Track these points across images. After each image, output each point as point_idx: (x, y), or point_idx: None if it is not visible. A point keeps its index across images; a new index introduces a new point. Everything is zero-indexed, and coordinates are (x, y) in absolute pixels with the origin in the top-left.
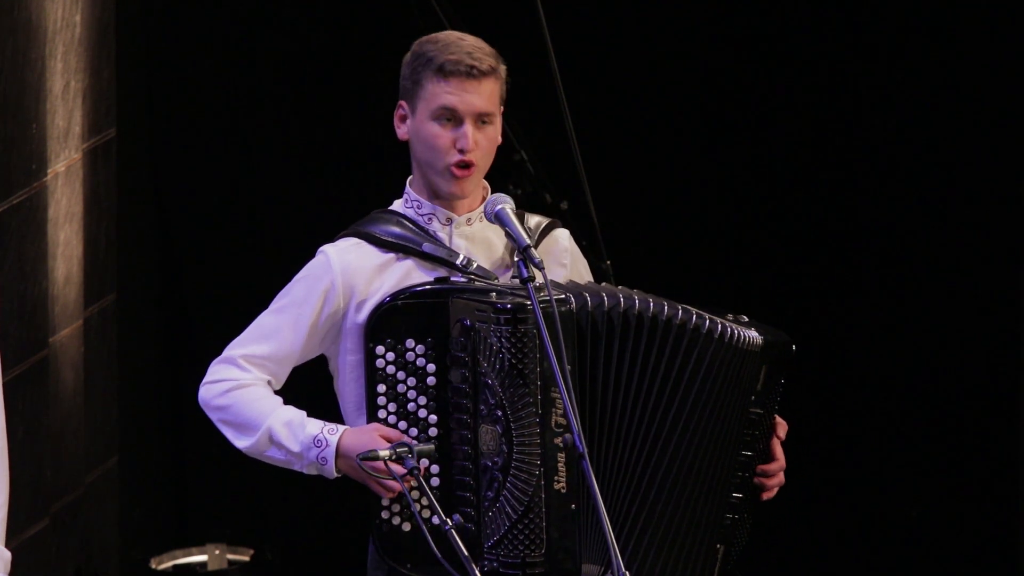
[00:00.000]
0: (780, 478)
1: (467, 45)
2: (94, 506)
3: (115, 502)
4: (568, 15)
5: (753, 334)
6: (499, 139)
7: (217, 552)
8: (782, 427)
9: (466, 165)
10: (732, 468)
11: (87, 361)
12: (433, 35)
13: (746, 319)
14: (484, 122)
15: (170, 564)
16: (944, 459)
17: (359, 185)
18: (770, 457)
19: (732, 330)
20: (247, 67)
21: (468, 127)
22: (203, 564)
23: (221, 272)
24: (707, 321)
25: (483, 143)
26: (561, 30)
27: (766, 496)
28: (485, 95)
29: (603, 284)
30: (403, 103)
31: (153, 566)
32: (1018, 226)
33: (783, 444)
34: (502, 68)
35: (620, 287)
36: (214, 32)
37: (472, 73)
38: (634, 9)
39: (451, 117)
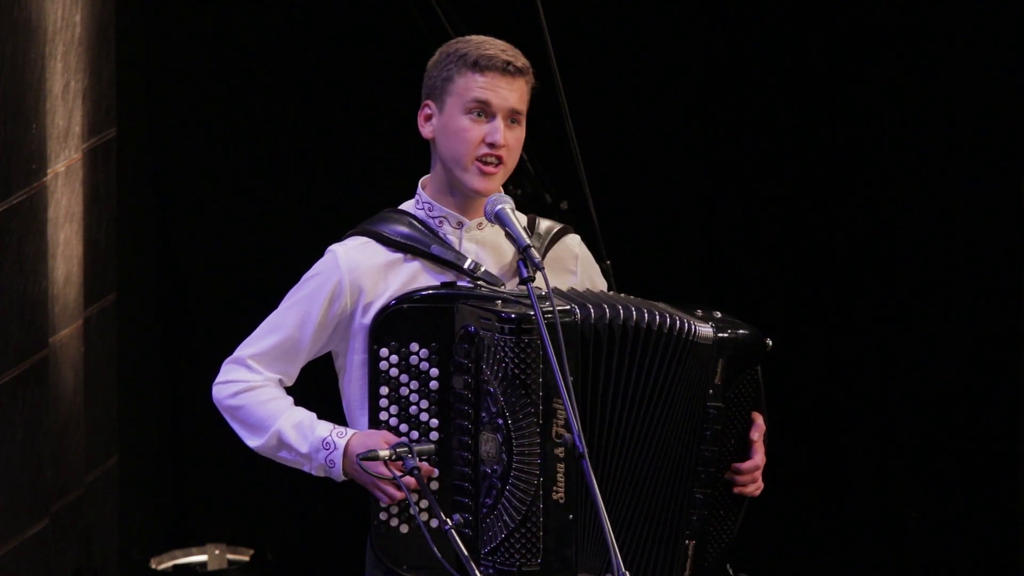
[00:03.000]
0: (755, 477)
1: (501, 44)
2: (94, 506)
3: (115, 502)
4: (568, 15)
5: (706, 328)
6: (523, 142)
7: (217, 552)
8: (758, 428)
9: (495, 161)
10: (693, 463)
11: (87, 361)
12: (463, 37)
13: (719, 314)
14: (514, 121)
15: (170, 564)
16: (944, 459)
17: (359, 185)
18: (745, 456)
19: (685, 323)
20: (247, 67)
21: (500, 122)
22: (203, 564)
23: (221, 272)
24: (672, 319)
25: (512, 142)
26: (561, 30)
27: (737, 490)
28: (518, 93)
29: (599, 291)
30: (429, 102)
31: (153, 566)
32: (1018, 226)
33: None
34: (532, 72)
35: (601, 291)
36: (214, 32)
37: (508, 69)
38: (634, 9)
39: (483, 112)
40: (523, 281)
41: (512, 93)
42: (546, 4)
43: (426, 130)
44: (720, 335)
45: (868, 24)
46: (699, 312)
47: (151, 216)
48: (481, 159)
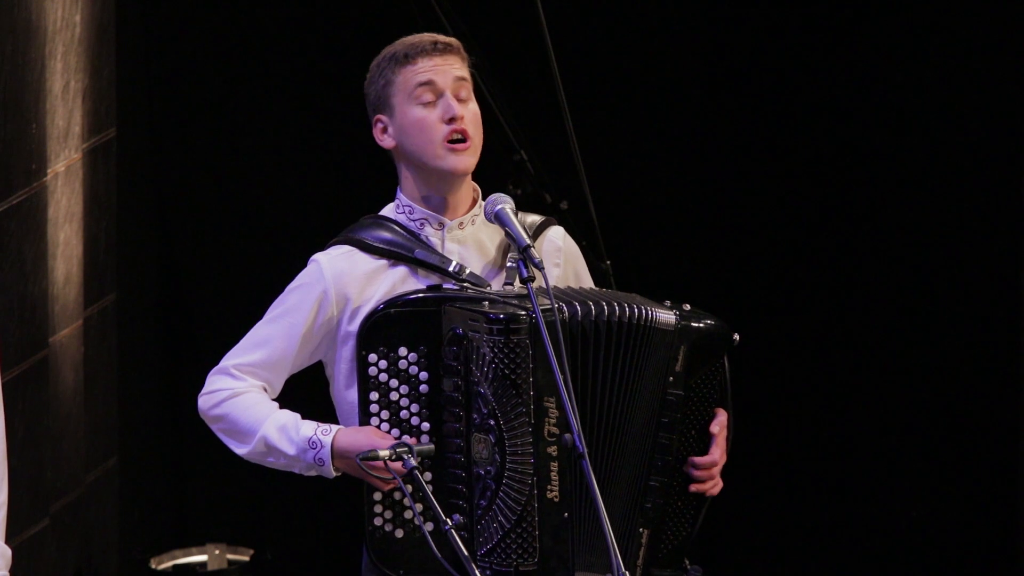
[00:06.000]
0: (713, 475)
1: (423, 33)
2: (94, 506)
3: (115, 502)
4: (568, 15)
5: (668, 315)
6: (480, 116)
7: (217, 552)
8: (719, 423)
9: (461, 139)
10: (650, 451)
11: (87, 361)
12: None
13: (687, 307)
14: (462, 99)
15: (170, 564)
16: (944, 459)
17: (359, 184)
18: (704, 450)
19: (649, 311)
20: (247, 67)
21: (449, 97)
22: (203, 564)
23: (221, 272)
24: (640, 309)
25: (469, 116)
26: (561, 30)
27: (694, 488)
28: (456, 65)
29: (578, 287)
30: (380, 116)
31: (153, 566)
32: (1018, 226)
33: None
34: (463, 48)
35: (580, 287)
36: (214, 32)
37: (436, 47)
38: (634, 9)
39: (431, 93)
40: (524, 281)
41: (451, 66)
42: (546, 4)
43: (386, 141)
44: (683, 322)
45: (867, 23)
46: (667, 303)
47: (151, 216)
48: (448, 140)
